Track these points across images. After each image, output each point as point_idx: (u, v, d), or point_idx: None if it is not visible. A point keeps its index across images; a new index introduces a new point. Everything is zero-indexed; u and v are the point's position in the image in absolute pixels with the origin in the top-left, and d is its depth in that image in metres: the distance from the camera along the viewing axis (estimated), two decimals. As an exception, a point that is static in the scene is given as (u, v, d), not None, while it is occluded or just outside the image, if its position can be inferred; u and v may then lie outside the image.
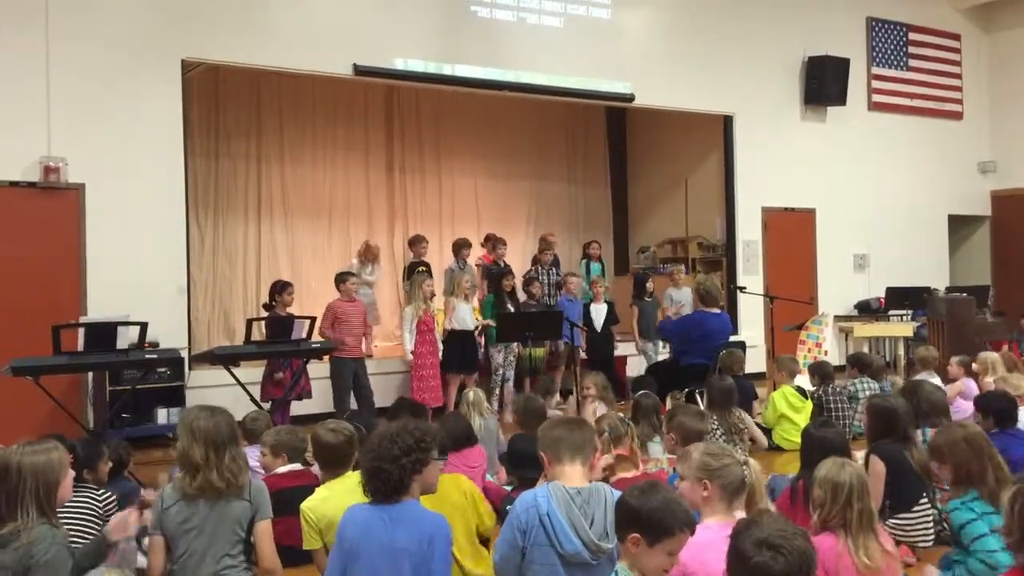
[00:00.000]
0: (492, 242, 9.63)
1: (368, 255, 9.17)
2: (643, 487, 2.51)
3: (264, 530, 3.28)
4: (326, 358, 7.55)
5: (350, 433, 4.00)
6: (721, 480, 2.87)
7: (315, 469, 4.39)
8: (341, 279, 7.85)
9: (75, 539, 3.64)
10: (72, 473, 3.15)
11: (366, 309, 8.22)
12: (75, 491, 3.83)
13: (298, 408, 7.59)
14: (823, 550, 2.95)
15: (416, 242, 9.52)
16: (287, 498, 4.06)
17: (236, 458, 3.24)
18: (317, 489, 3.76)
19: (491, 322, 8.33)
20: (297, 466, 4.50)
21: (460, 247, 9.22)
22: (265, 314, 7.69)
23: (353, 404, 7.61)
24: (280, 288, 7.67)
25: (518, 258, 11.24)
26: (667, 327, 8.05)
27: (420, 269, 9.02)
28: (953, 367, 7.24)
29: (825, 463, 3.18)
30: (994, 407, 4.86)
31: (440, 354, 8.11)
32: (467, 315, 8.39)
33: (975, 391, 6.84)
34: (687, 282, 9.64)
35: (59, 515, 3.69)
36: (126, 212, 7.61)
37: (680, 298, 9.52)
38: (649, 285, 9.62)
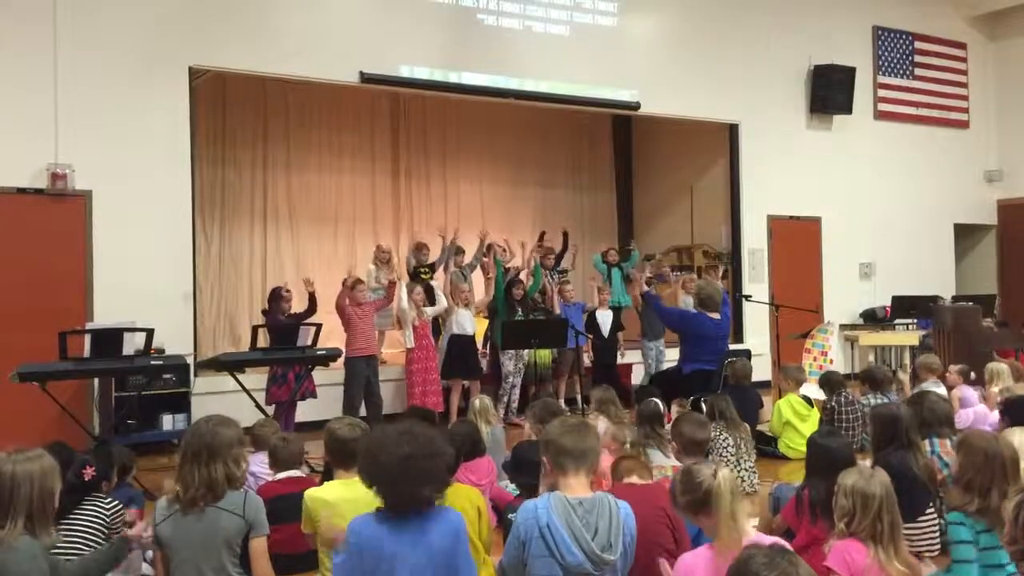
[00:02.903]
0: (494, 252, 9.70)
1: (380, 258, 9.21)
2: None
3: (259, 548, 3.20)
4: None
5: (365, 429, 3.93)
6: (687, 498, 2.87)
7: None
8: (351, 286, 7.86)
9: (83, 548, 3.65)
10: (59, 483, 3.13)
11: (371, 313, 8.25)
12: (84, 501, 3.84)
13: (304, 414, 7.60)
14: (852, 553, 2.97)
15: (418, 249, 9.54)
16: (283, 505, 4.05)
17: (214, 471, 3.13)
18: (328, 484, 3.73)
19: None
20: (296, 472, 4.50)
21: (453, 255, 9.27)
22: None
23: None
24: (276, 295, 7.70)
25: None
26: (663, 309, 7.86)
27: (423, 271, 9.08)
28: (952, 375, 7.23)
29: (851, 472, 3.17)
30: (1013, 411, 4.87)
31: (439, 356, 8.16)
32: (466, 321, 8.41)
33: (974, 400, 6.84)
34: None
35: (67, 525, 3.70)
36: (133, 218, 7.64)
37: (691, 304, 9.56)
38: (652, 291, 9.66)
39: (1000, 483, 3.42)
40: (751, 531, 2.86)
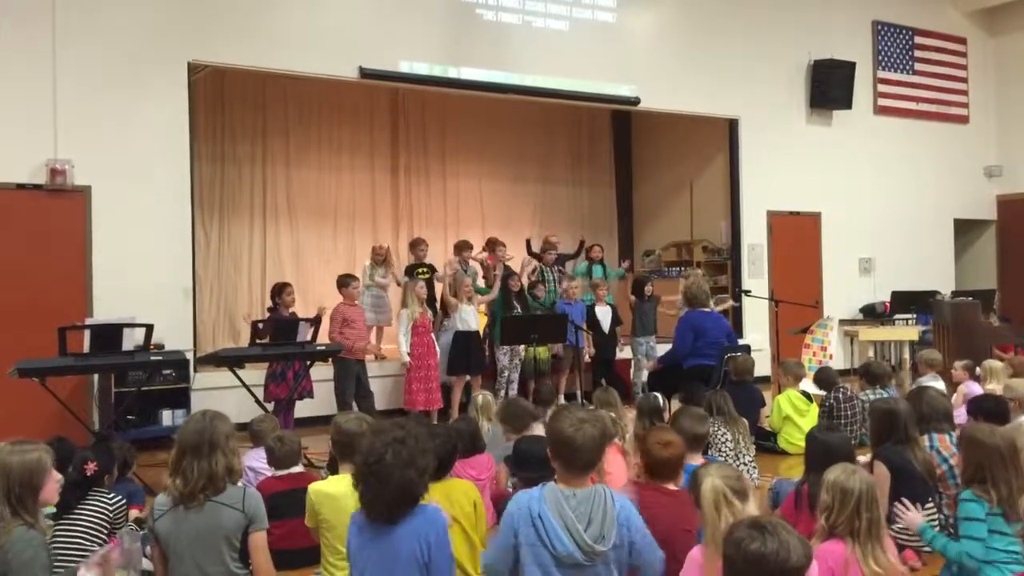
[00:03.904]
0: (492, 245, 9.73)
1: (377, 256, 9.24)
2: None
3: (259, 542, 3.19)
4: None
5: (372, 424, 3.90)
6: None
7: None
8: (343, 283, 7.87)
9: (86, 542, 3.65)
10: (57, 476, 3.12)
11: (363, 311, 8.25)
12: (87, 496, 3.85)
13: (301, 410, 7.60)
14: (831, 556, 2.95)
15: (415, 245, 9.55)
16: (284, 501, 4.07)
17: (214, 464, 3.11)
18: (332, 478, 3.72)
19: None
20: (297, 468, 4.50)
21: (460, 249, 9.27)
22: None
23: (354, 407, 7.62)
24: (279, 290, 7.71)
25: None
26: (674, 347, 7.44)
27: (421, 271, 9.07)
28: (957, 371, 7.23)
29: (835, 468, 3.15)
30: (983, 409, 4.90)
31: (438, 356, 8.14)
32: (470, 317, 8.42)
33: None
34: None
35: (71, 519, 3.71)
36: (132, 214, 7.63)
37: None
38: (648, 288, 9.63)
39: (1007, 473, 3.43)
40: None
